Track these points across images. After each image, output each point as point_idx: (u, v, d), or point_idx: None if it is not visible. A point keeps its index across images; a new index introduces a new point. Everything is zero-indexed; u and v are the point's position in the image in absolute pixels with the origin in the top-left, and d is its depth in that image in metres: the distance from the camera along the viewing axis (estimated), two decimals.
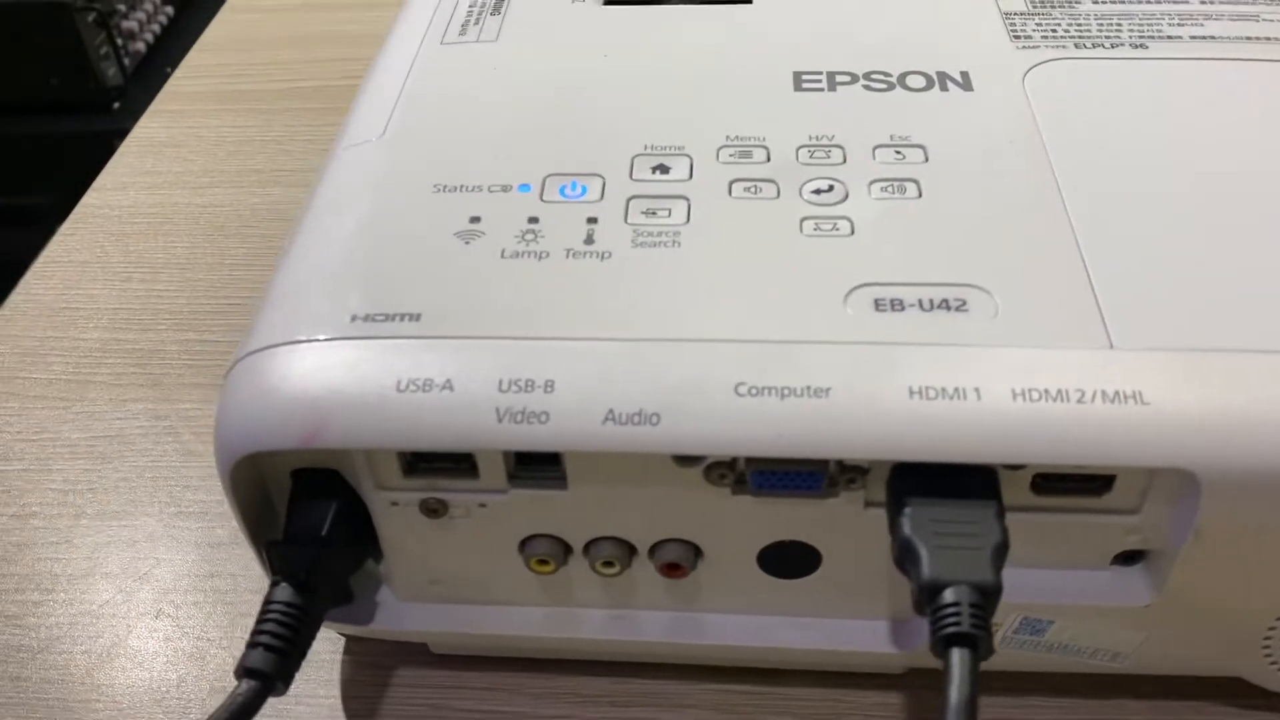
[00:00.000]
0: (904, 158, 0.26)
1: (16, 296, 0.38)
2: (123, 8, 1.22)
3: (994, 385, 0.20)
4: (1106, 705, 0.25)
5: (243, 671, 0.21)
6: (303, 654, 0.22)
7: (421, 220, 0.25)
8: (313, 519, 0.23)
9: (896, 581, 0.23)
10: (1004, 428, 0.20)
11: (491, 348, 0.22)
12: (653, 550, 0.23)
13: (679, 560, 0.23)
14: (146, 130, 0.46)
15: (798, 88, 0.28)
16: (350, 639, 0.27)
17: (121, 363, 0.35)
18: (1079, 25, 0.30)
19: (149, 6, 1.26)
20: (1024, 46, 0.29)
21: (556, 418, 0.21)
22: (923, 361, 0.21)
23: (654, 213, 0.25)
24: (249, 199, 0.42)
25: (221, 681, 0.26)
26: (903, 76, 0.28)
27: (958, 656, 0.19)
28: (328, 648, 0.27)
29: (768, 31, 0.31)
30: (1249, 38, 0.29)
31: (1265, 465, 0.20)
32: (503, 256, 0.24)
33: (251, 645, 0.21)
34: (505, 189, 0.25)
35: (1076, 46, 0.29)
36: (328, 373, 0.22)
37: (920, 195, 0.25)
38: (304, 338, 0.22)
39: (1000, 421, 0.20)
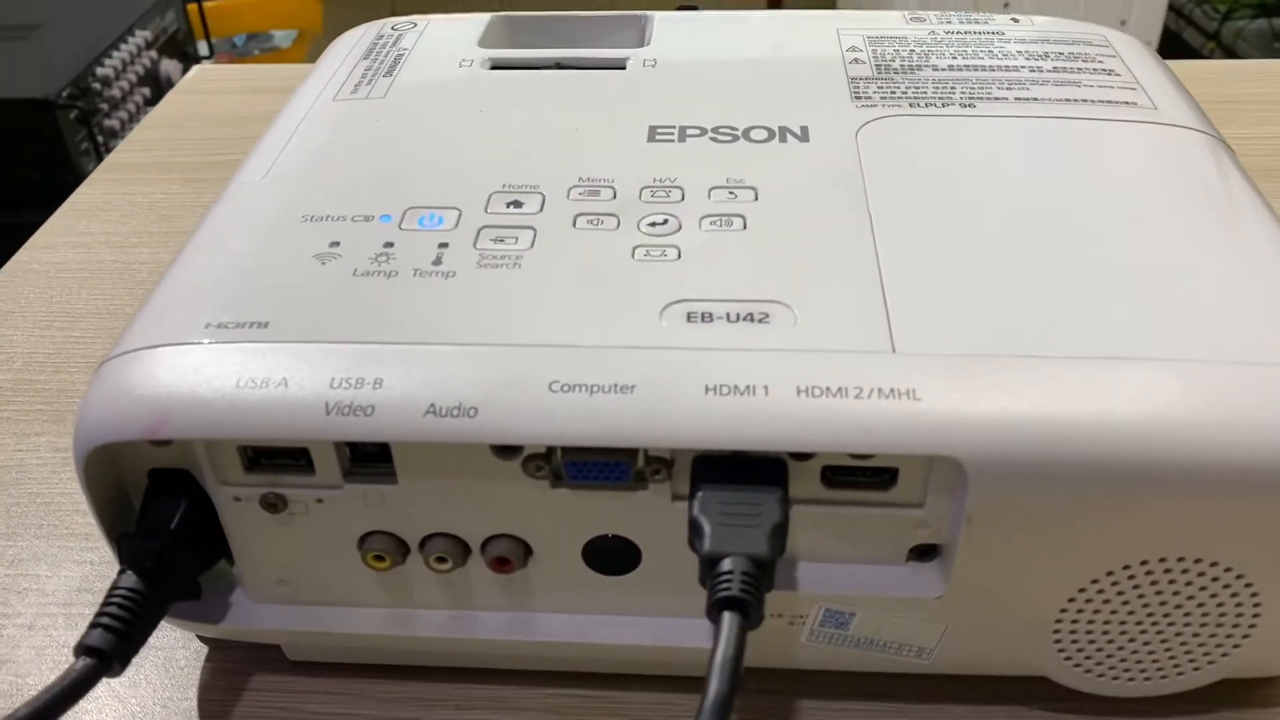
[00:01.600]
0: (736, 197, 0.28)
1: None
2: (105, 107, 1.26)
3: (781, 383, 0.22)
4: (926, 709, 0.26)
5: (81, 649, 0.22)
6: (141, 640, 0.23)
7: (285, 245, 0.27)
8: (163, 514, 0.24)
9: None
10: (787, 420, 0.22)
11: (329, 351, 0.23)
12: (484, 547, 0.25)
13: (507, 555, 0.24)
14: (83, 196, 0.49)
15: (650, 139, 0.31)
16: (211, 647, 0.28)
17: (30, 401, 0.37)
18: (916, 88, 0.33)
19: (131, 106, 1.31)
20: (863, 106, 0.32)
21: (381, 411, 0.22)
22: (721, 363, 0.23)
23: (502, 240, 0.27)
24: (172, 257, 0.44)
25: None
26: (747, 130, 0.31)
27: (727, 619, 0.20)
28: (189, 656, 0.28)
29: (633, 94, 0.33)
30: (1068, 100, 0.32)
31: (1021, 454, 0.21)
32: (354, 275, 0.26)
33: (92, 626, 0.23)
34: (367, 219, 0.28)
35: (911, 105, 0.32)
36: (176, 373, 0.23)
37: (745, 228, 0.27)
38: (160, 343, 0.24)
39: (784, 415, 0.22)
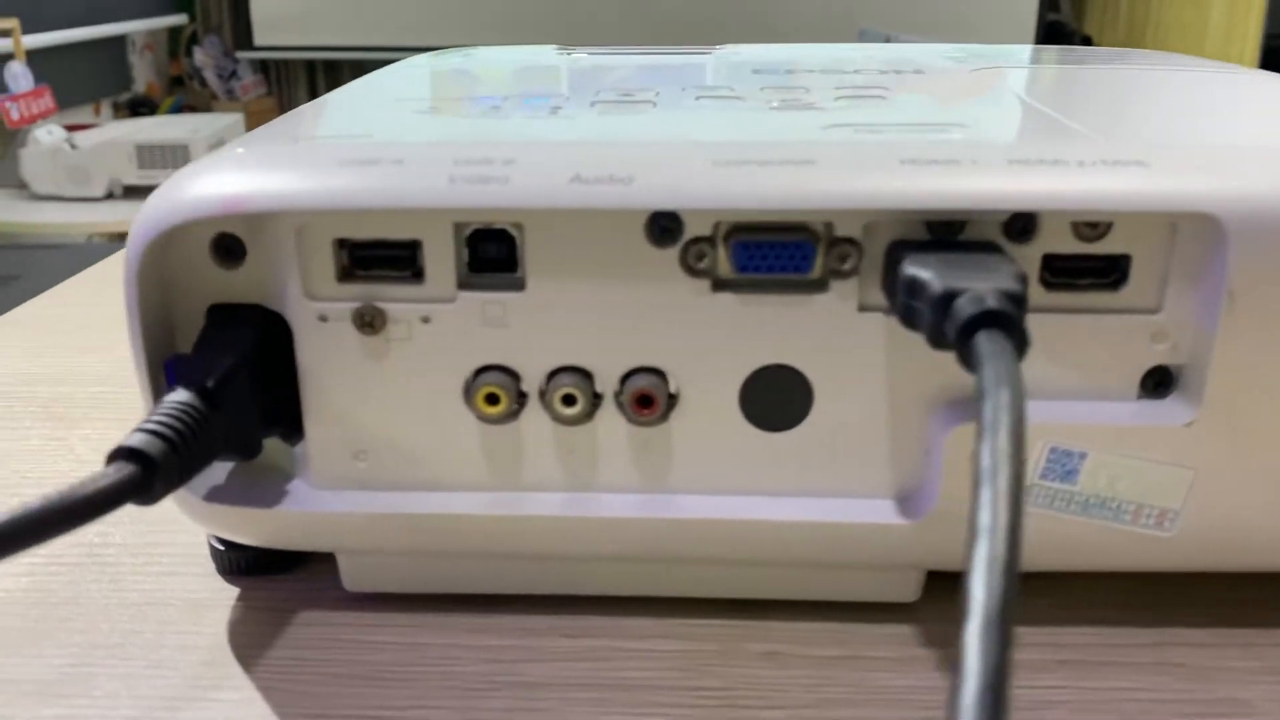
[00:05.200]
0: (866, 91, 0.26)
1: None
2: None
3: (989, 156, 0.19)
4: (1154, 634, 0.21)
5: (118, 453, 0.17)
6: (190, 467, 0.18)
7: (379, 107, 0.24)
8: (226, 341, 0.20)
9: (900, 432, 0.20)
10: (1006, 181, 0.19)
11: (448, 141, 0.20)
12: (620, 387, 0.20)
13: (650, 391, 0.20)
14: (93, 271, 0.45)
15: (757, 71, 0.29)
16: (243, 587, 0.22)
17: (26, 405, 0.32)
18: (1022, 59, 0.32)
19: None
20: (975, 69, 0.31)
21: (517, 180, 0.19)
22: (913, 144, 0.20)
23: (620, 105, 0.24)
24: None
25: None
26: (859, 69, 0.29)
27: (984, 339, 0.16)
28: (221, 597, 0.22)
29: (729, 58, 0.32)
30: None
31: None
32: (462, 118, 0.23)
33: (132, 433, 0.18)
34: (471, 99, 0.25)
35: (1027, 63, 0.31)
36: (266, 156, 0.20)
37: (885, 100, 0.24)
38: (244, 149, 0.20)
39: (1001, 177, 0.19)
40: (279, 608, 0.22)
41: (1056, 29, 3.35)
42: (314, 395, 0.20)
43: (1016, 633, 0.21)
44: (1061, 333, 0.20)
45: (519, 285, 0.20)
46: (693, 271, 0.19)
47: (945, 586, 0.22)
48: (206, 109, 3.15)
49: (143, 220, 0.19)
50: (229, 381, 0.19)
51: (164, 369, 0.20)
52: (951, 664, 0.19)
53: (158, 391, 0.20)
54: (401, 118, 0.23)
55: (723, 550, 0.21)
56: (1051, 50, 0.35)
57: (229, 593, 0.22)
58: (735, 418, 0.20)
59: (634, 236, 0.19)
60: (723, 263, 0.19)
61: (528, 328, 0.20)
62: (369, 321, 0.20)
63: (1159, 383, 0.20)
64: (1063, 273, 0.19)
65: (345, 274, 0.20)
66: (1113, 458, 0.20)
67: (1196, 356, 0.19)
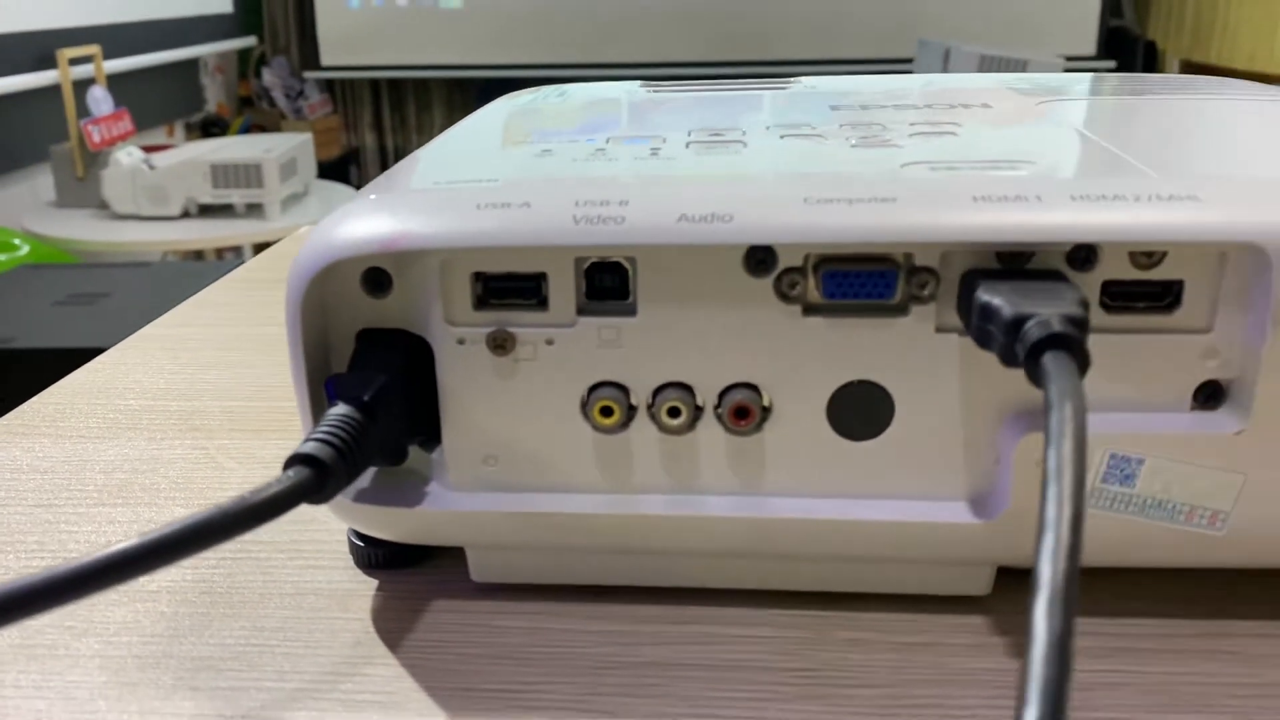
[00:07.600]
0: (938, 127, 0.28)
1: (63, 383, 0.39)
2: None
3: (1054, 193, 0.21)
4: (1211, 626, 0.23)
5: (293, 460, 0.20)
6: (353, 471, 0.21)
7: (497, 155, 0.27)
8: (377, 361, 0.23)
9: (972, 440, 0.22)
10: (1069, 216, 0.21)
11: (568, 185, 0.23)
12: (719, 402, 0.23)
13: (747, 404, 0.22)
14: (203, 295, 0.49)
15: (835, 108, 0.31)
16: (381, 580, 0.25)
17: (162, 419, 0.35)
18: (1077, 90, 0.34)
19: None
20: (1036, 100, 0.33)
21: (632, 219, 0.21)
22: (984, 182, 0.22)
23: (713, 145, 0.27)
24: None
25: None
26: (930, 104, 0.32)
27: (1051, 360, 0.18)
28: (361, 588, 0.25)
29: (808, 92, 0.34)
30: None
31: None
32: (573, 161, 0.25)
33: (304, 442, 0.20)
34: (573, 141, 0.28)
35: (1074, 100, 0.33)
36: (410, 200, 0.23)
37: (957, 136, 0.27)
38: (387, 194, 0.23)
39: (1064, 213, 0.21)
40: (414, 596, 0.25)
41: (1119, 35, 3.32)
42: (451, 408, 0.23)
43: (1078, 608, 0.23)
44: (1121, 351, 0.22)
45: (631, 311, 0.22)
46: (786, 298, 0.22)
47: (1013, 582, 0.24)
48: (275, 128, 3.24)
49: (304, 259, 0.22)
50: (382, 396, 0.22)
51: (324, 387, 0.22)
52: (1025, 635, 0.21)
53: (315, 405, 0.23)
54: (520, 161, 0.25)
55: (811, 547, 0.23)
56: (1113, 79, 0.37)
57: (368, 584, 0.25)
58: (823, 428, 0.23)
59: (733, 268, 0.22)
60: (812, 290, 0.22)
61: (638, 349, 0.22)
62: (500, 344, 0.22)
63: (1210, 396, 0.22)
64: (1121, 297, 0.22)
65: (480, 303, 0.22)
66: (1168, 463, 0.22)
67: (1245, 372, 0.21)
